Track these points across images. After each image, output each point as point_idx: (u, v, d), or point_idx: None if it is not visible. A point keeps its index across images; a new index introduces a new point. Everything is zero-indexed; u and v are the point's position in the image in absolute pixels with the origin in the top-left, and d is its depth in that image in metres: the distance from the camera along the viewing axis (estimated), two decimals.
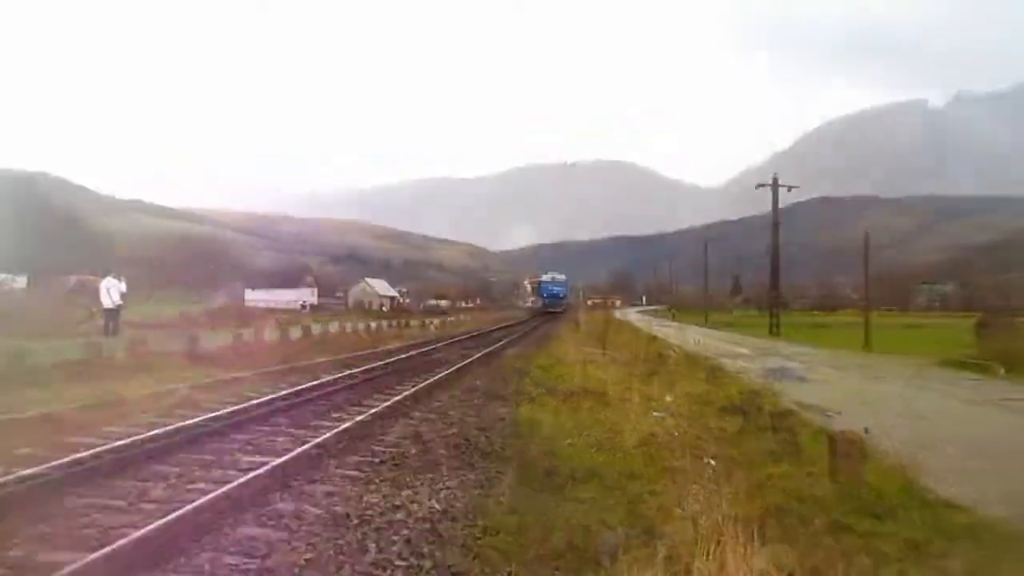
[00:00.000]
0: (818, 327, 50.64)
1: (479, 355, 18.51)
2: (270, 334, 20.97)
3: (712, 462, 6.74)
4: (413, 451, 7.39)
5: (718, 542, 5.32)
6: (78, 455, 6.12)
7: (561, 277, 79.23)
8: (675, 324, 45.59)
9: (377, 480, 6.15)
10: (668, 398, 9.67)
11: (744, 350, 23.68)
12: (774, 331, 38.46)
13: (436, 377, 12.98)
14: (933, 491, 6.45)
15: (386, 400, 10.07)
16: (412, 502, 5.61)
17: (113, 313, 18.79)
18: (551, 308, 70.81)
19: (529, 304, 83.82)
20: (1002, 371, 17.32)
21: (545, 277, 79.98)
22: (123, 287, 19.24)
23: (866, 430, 6.50)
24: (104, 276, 19.90)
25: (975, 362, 18.75)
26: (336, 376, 12.80)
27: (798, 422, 8.11)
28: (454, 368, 14.78)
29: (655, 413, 8.65)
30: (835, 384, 15.47)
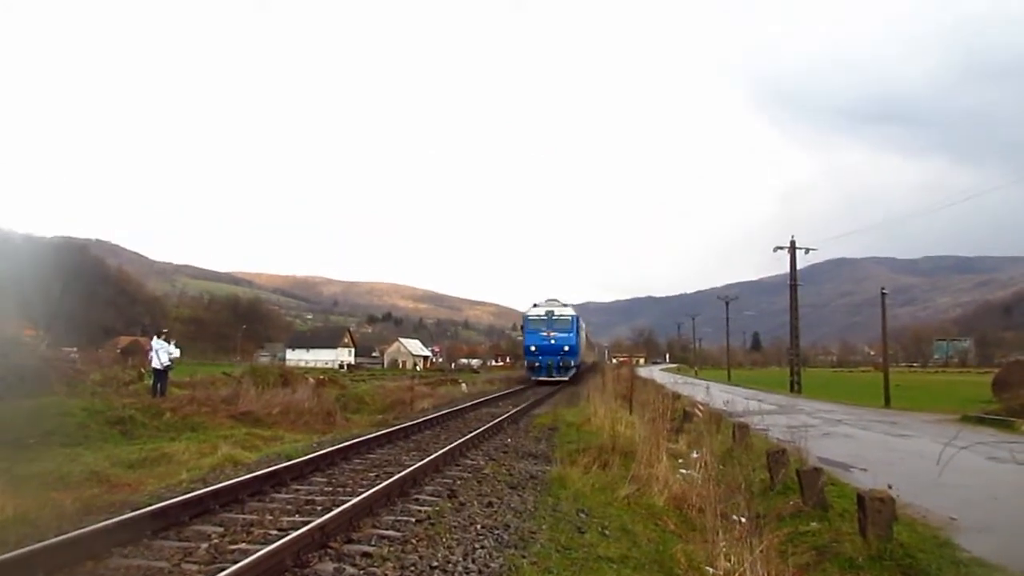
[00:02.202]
0: (838, 383, 50.85)
1: (510, 413, 18.64)
2: (308, 394, 21.35)
3: (741, 519, 6.76)
4: (448, 506, 7.56)
5: None
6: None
7: (566, 313, 39.23)
8: (698, 381, 45.38)
9: (414, 540, 6.24)
10: (695, 455, 9.70)
11: (766, 407, 23.66)
12: (795, 388, 38.88)
13: (469, 436, 13.13)
14: (965, 549, 6.39)
15: (422, 459, 10.25)
16: (447, 562, 5.71)
17: (162, 374, 19.35)
18: (547, 376, 37.61)
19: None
20: None
21: (534, 312, 39.56)
22: (172, 349, 19.86)
23: (889, 487, 6.50)
24: (154, 338, 20.61)
25: (995, 418, 18.39)
26: (374, 435, 13.04)
27: (824, 479, 8.06)
28: (486, 426, 14.92)
29: (682, 471, 8.70)
30: (859, 440, 15.31)
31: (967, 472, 10.31)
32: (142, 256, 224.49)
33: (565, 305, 39.40)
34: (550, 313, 38.35)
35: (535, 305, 39.37)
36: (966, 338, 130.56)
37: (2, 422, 12.43)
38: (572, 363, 37.86)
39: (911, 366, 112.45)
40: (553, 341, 37.46)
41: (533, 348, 38.26)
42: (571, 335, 37.91)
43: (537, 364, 37.89)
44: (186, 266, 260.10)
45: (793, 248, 41.66)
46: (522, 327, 39.75)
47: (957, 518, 7.60)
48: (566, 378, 36.97)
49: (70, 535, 5.69)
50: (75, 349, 41.37)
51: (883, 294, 31.14)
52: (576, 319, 38.97)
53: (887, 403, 27.20)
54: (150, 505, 6.86)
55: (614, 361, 71.80)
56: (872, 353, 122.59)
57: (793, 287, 42.29)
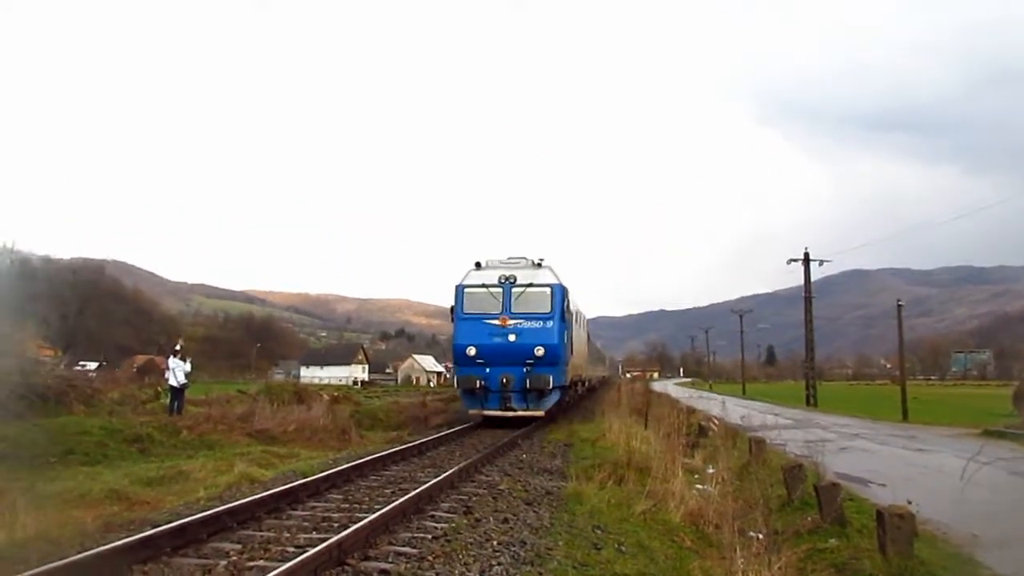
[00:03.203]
0: (855, 397, 50.41)
1: (524, 429, 18.34)
2: (323, 411, 21.43)
3: (759, 536, 6.73)
4: (464, 523, 7.57)
5: None
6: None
7: (542, 280, 19.43)
8: (713, 395, 45.14)
9: (430, 557, 6.24)
10: (711, 470, 9.67)
11: (782, 421, 23.50)
12: (811, 402, 38.63)
13: (484, 452, 13.13)
14: (988, 566, 6.32)
15: (437, 475, 10.27)
16: None
17: (178, 392, 19.58)
18: (498, 409, 18.83)
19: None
20: None
21: (475, 279, 19.70)
22: (188, 367, 20.09)
23: (909, 503, 6.44)
24: (170, 356, 20.86)
25: (1017, 432, 18.16)
26: (389, 452, 13.06)
27: (842, 494, 8.02)
28: (501, 442, 14.90)
29: (698, 486, 8.67)
30: (877, 455, 15.18)
31: (989, 487, 10.18)
32: (157, 275, 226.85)
33: (539, 264, 19.85)
34: (508, 280, 19.34)
35: (478, 266, 19.91)
36: (985, 350, 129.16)
37: (24, 441, 12.58)
38: (551, 382, 18.82)
39: (929, 379, 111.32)
40: (513, 337, 18.99)
41: (471, 351, 19.13)
42: (549, 324, 19.10)
43: (480, 383, 18.77)
44: (200, 285, 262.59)
45: (807, 260, 41.48)
46: (451, 309, 20.09)
47: (979, 534, 7.50)
48: (541, 411, 19.16)
49: (92, 552, 5.77)
50: (93, 368, 41.75)
51: (899, 306, 31.04)
52: (561, 293, 19.56)
53: (905, 417, 27.00)
54: (169, 523, 6.92)
55: (628, 376, 71.30)
56: (889, 366, 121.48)
57: (808, 299, 42.06)
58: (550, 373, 18.82)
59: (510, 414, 18.76)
